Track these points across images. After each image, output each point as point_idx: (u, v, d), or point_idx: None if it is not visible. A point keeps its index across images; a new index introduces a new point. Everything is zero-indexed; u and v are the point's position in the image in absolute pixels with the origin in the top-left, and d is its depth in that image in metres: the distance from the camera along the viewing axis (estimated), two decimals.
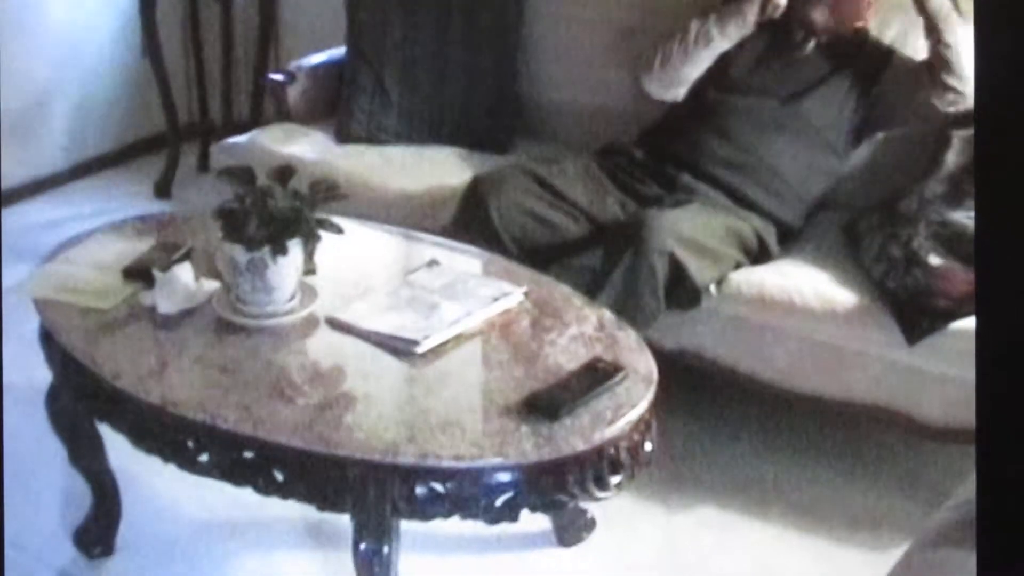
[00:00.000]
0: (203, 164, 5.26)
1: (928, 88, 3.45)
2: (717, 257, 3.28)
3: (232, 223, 2.52)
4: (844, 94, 3.58)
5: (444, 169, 3.86)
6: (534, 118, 4.22)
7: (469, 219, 3.36)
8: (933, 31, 3.41)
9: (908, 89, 3.53)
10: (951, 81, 3.39)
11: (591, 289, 3.05)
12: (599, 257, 3.24)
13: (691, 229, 3.23)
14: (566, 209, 3.41)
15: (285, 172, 2.59)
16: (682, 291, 3.21)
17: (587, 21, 4.16)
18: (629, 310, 3.04)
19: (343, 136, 4.12)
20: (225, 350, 2.51)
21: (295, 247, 2.52)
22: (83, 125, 5.23)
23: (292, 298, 2.59)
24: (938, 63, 3.41)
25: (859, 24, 3.62)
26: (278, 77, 4.32)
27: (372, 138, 4.11)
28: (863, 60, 3.60)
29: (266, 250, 2.49)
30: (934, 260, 3.15)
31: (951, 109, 3.42)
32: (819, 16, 3.58)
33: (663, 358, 2.56)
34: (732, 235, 3.35)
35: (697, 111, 3.65)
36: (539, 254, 3.29)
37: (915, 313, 3.11)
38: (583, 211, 3.42)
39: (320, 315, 2.60)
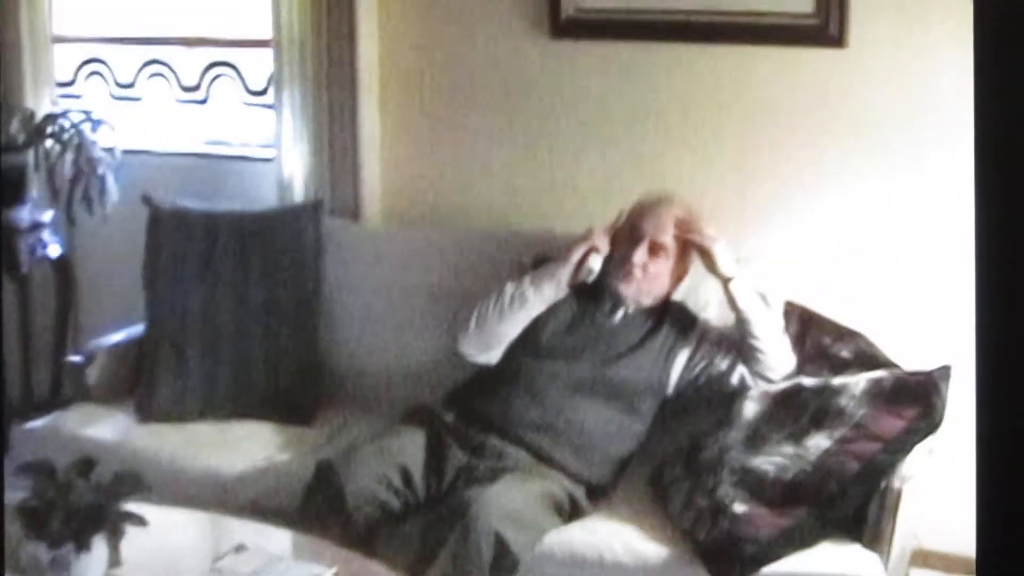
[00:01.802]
0: (1, 447, 5.12)
1: (736, 354, 3.60)
2: (535, 526, 3.28)
3: (33, 520, 2.48)
4: (652, 361, 3.64)
5: (249, 445, 3.80)
6: (339, 387, 4.18)
7: (318, 505, 3.30)
8: (743, 323, 3.55)
9: (715, 354, 3.65)
10: (758, 348, 3.53)
11: (415, 570, 3.01)
12: (419, 533, 3.23)
13: (513, 504, 3.23)
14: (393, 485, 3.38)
15: (86, 464, 2.57)
16: (501, 563, 3.18)
17: (388, 287, 4.17)
18: None
19: (144, 415, 4.04)
20: None
21: (99, 542, 2.48)
22: None
23: None
24: (747, 350, 3.55)
25: (666, 295, 3.71)
26: (76, 358, 4.25)
27: (175, 416, 4.02)
28: (670, 328, 3.68)
29: (69, 547, 2.45)
30: (739, 507, 3.20)
31: (759, 371, 3.55)
32: (628, 288, 3.65)
33: None
34: (547, 499, 3.36)
35: (506, 373, 3.68)
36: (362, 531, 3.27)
37: (725, 561, 3.14)
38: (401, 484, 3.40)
39: None
